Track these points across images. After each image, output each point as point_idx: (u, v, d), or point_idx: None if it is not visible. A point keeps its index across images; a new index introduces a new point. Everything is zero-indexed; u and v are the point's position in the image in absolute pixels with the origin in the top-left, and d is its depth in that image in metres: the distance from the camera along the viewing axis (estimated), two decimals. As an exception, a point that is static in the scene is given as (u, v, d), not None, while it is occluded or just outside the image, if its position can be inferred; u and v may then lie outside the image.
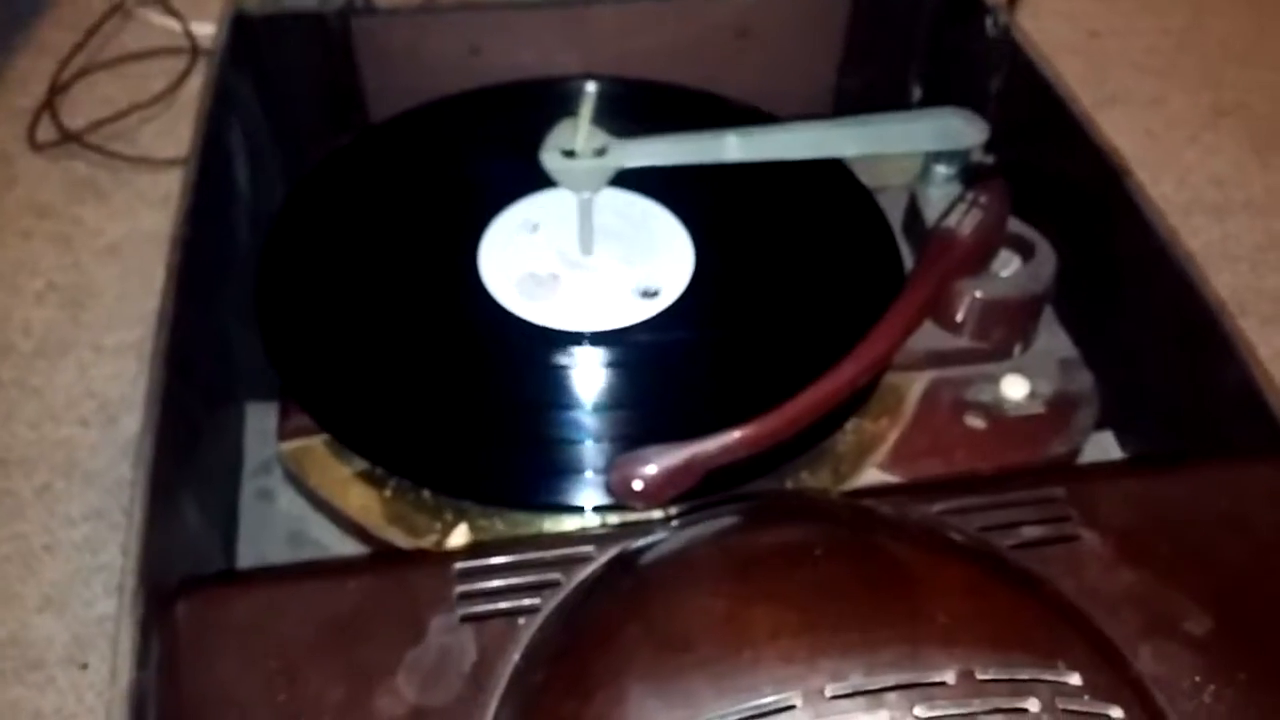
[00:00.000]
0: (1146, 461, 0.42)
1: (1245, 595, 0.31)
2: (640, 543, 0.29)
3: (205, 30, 0.75)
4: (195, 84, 0.73)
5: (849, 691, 0.23)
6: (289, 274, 0.45)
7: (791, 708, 0.23)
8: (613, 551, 0.30)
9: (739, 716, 0.23)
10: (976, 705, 0.23)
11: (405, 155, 0.51)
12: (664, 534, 0.30)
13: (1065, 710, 0.24)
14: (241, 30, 0.51)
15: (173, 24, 0.78)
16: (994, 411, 0.43)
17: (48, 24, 0.79)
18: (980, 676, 0.23)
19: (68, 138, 0.68)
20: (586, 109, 0.42)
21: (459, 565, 0.30)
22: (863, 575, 0.26)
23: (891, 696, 0.23)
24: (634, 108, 0.52)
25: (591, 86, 0.41)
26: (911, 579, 0.26)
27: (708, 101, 0.54)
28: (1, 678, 0.44)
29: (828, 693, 0.23)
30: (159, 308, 0.38)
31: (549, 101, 0.51)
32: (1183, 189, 0.67)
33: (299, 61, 0.54)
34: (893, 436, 0.42)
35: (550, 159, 0.43)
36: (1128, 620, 0.29)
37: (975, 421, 0.43)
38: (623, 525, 0.37)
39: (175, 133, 0.69)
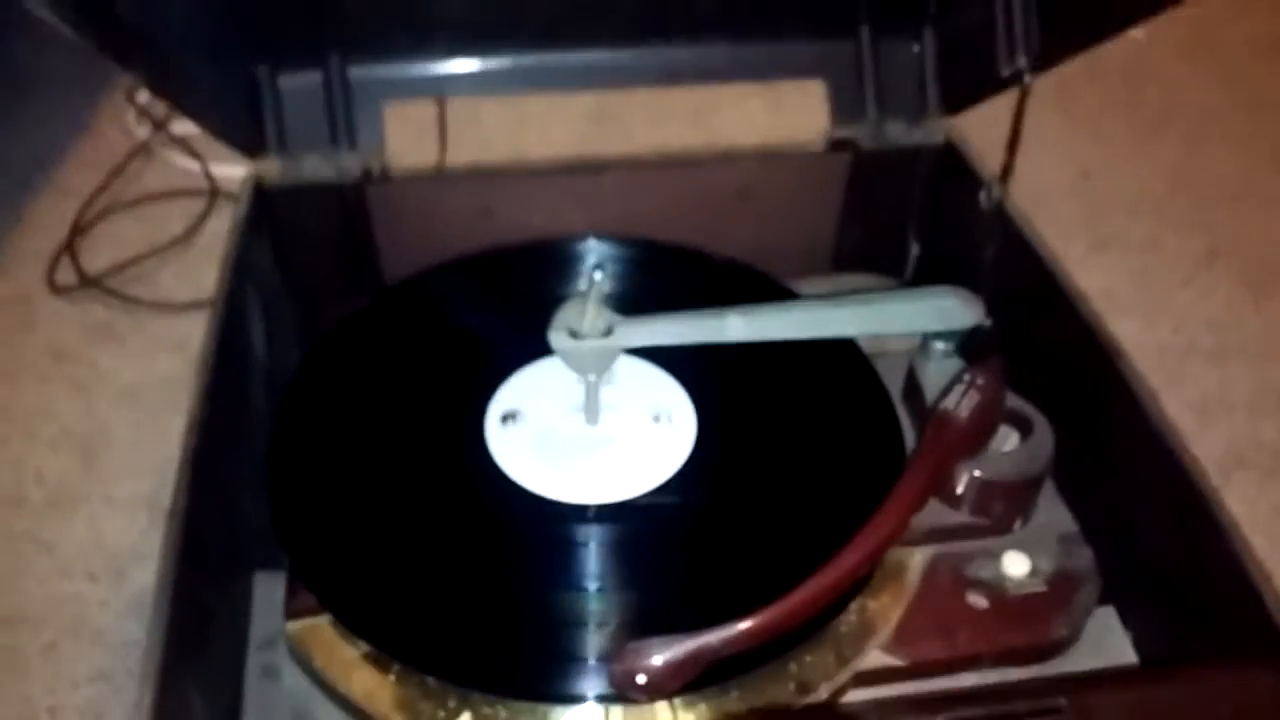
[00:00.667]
0: (1147, 669, 0.42)
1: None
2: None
3: (225, 172, 0.77)
4: (213, 226, 0.75)
5: None
6: (301, 446, 0.46)
7: None
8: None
9: None
10: None
11: (417, 320, 0.52)
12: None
13: None
14: (260, 199, 0.53)
15: (193, 165, 0.80)
16: (995, 589, 0.43)
17: (69, 164, 0.82)
18: None
19: (86, 282, 0.70)
20: (595, 294, 0.43)
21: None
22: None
23: None
24: (638, 268, 0.53)
25: (599, 274, 0.42)
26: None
27: (706, 263, 0.55)
28: None
29: None
30: (171, 500, 0.38)
31: (559, 260, 0.53)
32: (1178, 334, 0.68)
33: (316, 227, 0.55)
34: (895, 616, 0.42)
35: (557, 339, 0.44)
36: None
37: (977, 600, 0.43)
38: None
39: (193, 275, 0.71)
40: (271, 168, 0.53)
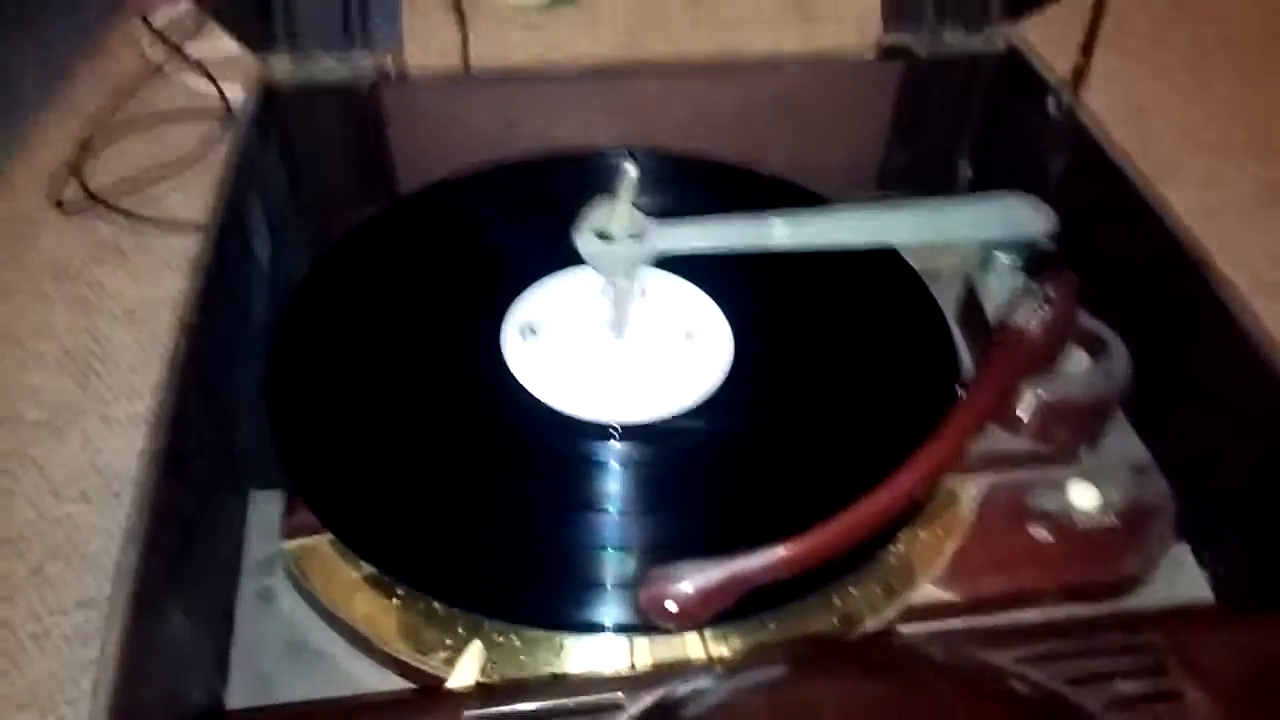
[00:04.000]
0: (1253, 603, 0.37)
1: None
2: (676, 694, 0.26)
3: (239, 93, 0.74)
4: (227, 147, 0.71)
5: None
6: (303, 359, 0.42)
7: None
8: (646, 701, 0.26)
9: None
10: None
11: (431, 232, 0.48)
12: (703, 686, 0.26)
13: None
14: (269, 101, 0.49)
15: (208, 88, 0.77)
16: (1061, 522, 0.39)
17: (81, 85, 0.78)
18: None
19: (92, 199, 0.67)
20: (626, 190, 0.39)
21: (470, 714, 0.27)
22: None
23: None
24: (671, 181, 0.49)
25: (633, 168, 0.38)
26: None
27: (745, 177, 0.51)
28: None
29: None
30: (159, 401, 0.35)
31: (585, 175, 0.48)
32: (1242, 270, 0.64)
33: (328, 132, 0.51)
34: (950, 549, 0.38)
35: (584, 242, 0.40)
36: (1237, 796, 0.26)
37: (1040, 533, 0.39)
38: (656, 665, 0.34)
39: (203, 196, 0.67)
40: (281, 66, 0.50)
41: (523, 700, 0.26)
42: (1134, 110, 0.79)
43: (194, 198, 0.69)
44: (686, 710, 0.25)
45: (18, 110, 0.75)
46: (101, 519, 0.50)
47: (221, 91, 0.76)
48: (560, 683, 0.29)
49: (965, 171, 0.58)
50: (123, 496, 0.51)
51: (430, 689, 0.34)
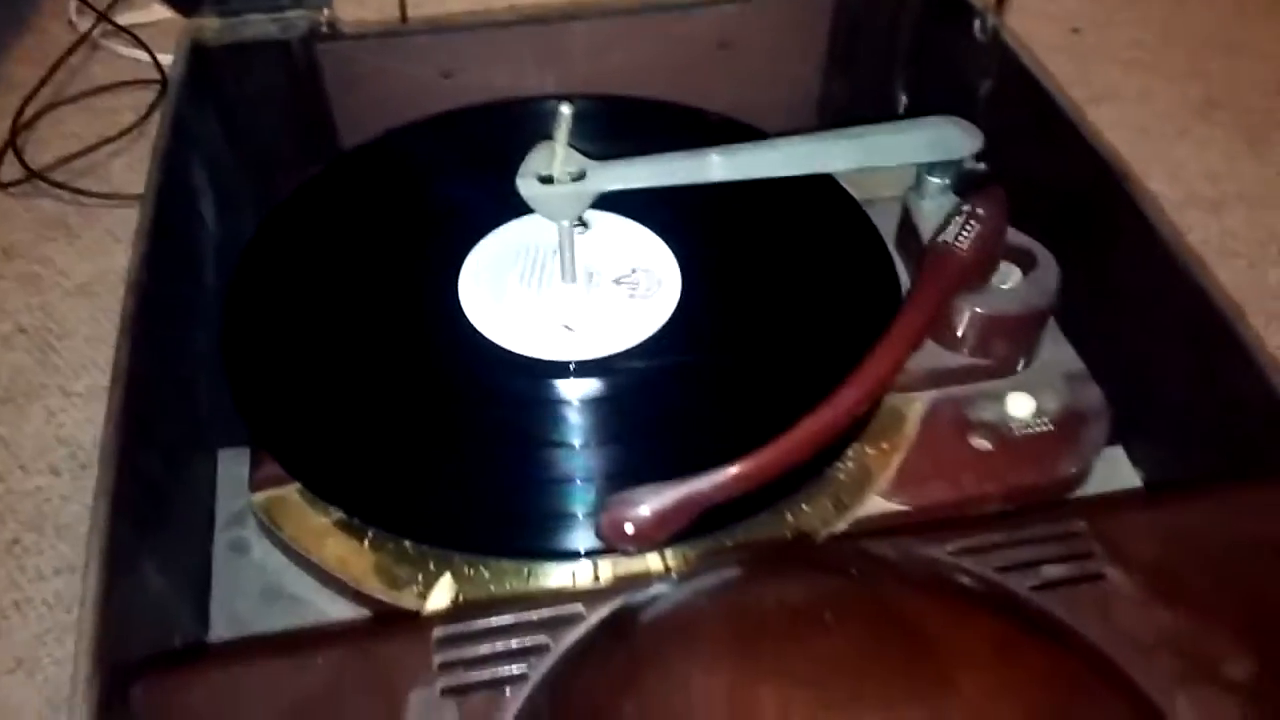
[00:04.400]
0: (1172, 488, 0.40)
1: (1281, 630, 0.29)
2: (634, 601, 0.27)
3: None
4: (164, 115, 0.71)
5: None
6: (257, 315, 0.43)
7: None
8: (604, 611, 0.28)
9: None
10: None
11: (377, 185, 0.49)
12: (659, 592, 0.27)
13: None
14: (200, 61, 0.49)
15: (140, 55, 0.76)
16: (1000, 431, 0.41)
17: (12, 60, 0.77)
18: (1006, 748, 0.21)
19: (33, 175, 0.66)
20: (562, 132, 0.40)
21: (439, 632, 0.28)
22: (879, 642, 0.24)
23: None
24: (613, 126, 0.50)
25: (567, 108, 0.39)
26: (933, 645, 0.24)
27: (689, 116, 0.52)
28: (-29, 748, 0.42)
29: (840, 775, 0.21)
30: (114, 362, 0.36)
31: (525, 122, 0.49)
32: (1176, 185, 0.66)
33: (263, 90, 0.52)
34: (895, 462, 0.40)
35: (526, 186, 0.41)
36: (1161, 666, 0.27)
37: (981, 442, 0.41)
38: (616, 579, 0.35)
39: (145, 167, 0.67)
40: (211, 25, 0.50)
41: (488, 616, 0.28)
42: (1068, 33, 0.81)
43: (137, 168, 0.68)
44: (643, 615, 0.27)
45: (-49, 90, 0.74)
46: (71, 489, 0.51)
47: (155, 58, 0.76)
48: (524, 598, 0.30)
49: (901, 99, 0.59)
50: (90, 467, 0.51)
51: (399, 616, 0.35)
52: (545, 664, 0.27)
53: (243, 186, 0.52)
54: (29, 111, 0.71)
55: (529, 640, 0.28)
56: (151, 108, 0.72)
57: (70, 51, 0.76)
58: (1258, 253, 0.61)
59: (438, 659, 0.28)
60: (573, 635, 0.28)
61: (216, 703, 0.27)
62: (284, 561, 0.39)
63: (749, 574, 0.27)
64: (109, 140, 0.70)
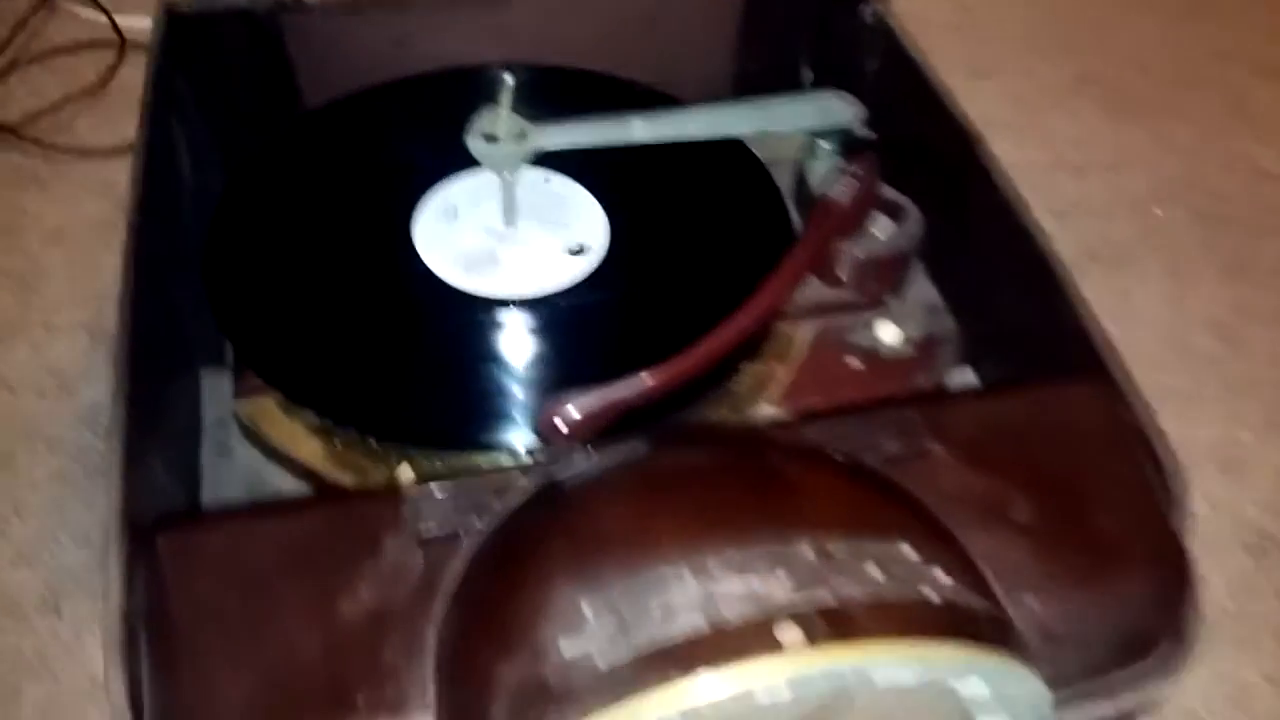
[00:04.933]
0: (989, 387, 0.48)
1: (1063, 489, 0.37)
2: (560, 472, 0.35)
3: (132, 23, 0.78)
4: (125, 75, 0.76)
5: (727, 567, 0.29)
6: (235, 250, 0.49)
7: (682, 578, 0.28)
8: (538, 479, 0.35)
9: (641, 590, 0.29)
10: (827, 569, 0.29)
11: (339, 140, 0.55)
12: (580, 463, 0.35)
13: (898, 573, 0.30)
14: (175, 27, 0.55)
15: (99, 17, 0.81)
16: (870, 353, 0.49)
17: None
18: (831, 548, 0.29)
19: (3, 130, 0.71)
20: (506, 97, 0.46)
21: (407, 496, 0.35)
22: (745, 482, 0.32)
23: (761, 565, 0.29)
24: (550, 93, 0.57)
25: (510, 76, 0.46)
26: (784, 482, 0.32)
27: (618, 86, 0.59)
28: (-18, 628, 0.48)
29: (710, 566, 0.29)
30: (120, 288, 0.42)
31: (472, 89, 0.56)
32: (1046, 151, 0.75)
33: (233, 56, 0.57)
34: (783, 377, 0.48)
35: (474, 143, 0.48)
36: (964, 512, 0.36)
37: (854, 362, 0.49)
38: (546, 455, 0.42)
39: (109, 123, 0.72)
40: (183, -1, 0.55)
41: (447, 485, 0.35)
42: (958, 9, 0.89)
43: (100, 125, 0.74)
44: (568, 475, 0.34)
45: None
46: (58, 409, 0.56)
47: (113, 20, 0.80)
48: (475, 472, 0.37)
49: (807, 75, 0.66)
50: (76, 390, 0.57)
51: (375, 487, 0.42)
52: (492, 518, 0.35)
53: (214, 145, 0.58)
54: (-5, 69, 0.76)
55: (480, 501, 0.35)
56: (112, 68, 0.77)
57: (32, 12, 0.81)
58: (1110, 211, 0.71)
59: (407, 514, 0.35)
60: (514, 497, 0.35)
61: (226, 546, 0.34)
62: (264, 461, 0.46)
63: (656, 447, 0.35)
64: (73, 98, 0.74)
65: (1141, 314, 0.70)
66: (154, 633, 0.34)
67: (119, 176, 0.61)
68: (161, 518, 0.37)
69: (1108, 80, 0.81)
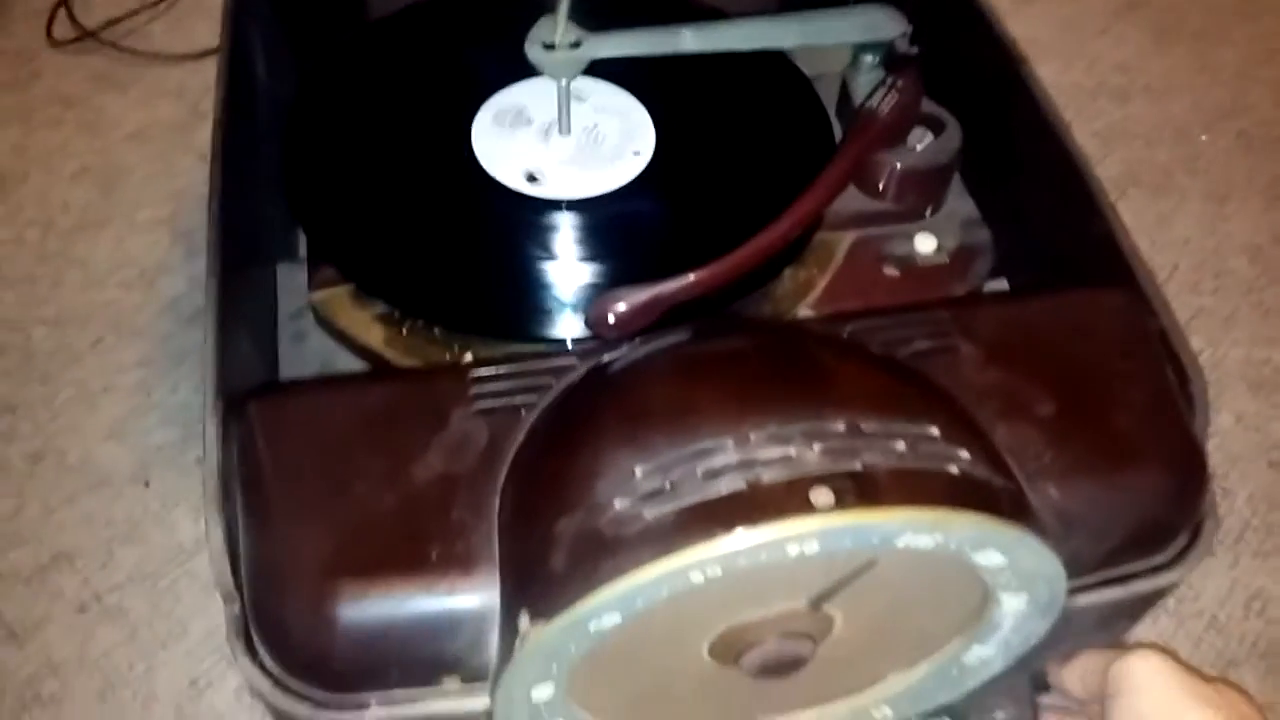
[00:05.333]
0: (1017, 291, 0.50)
1: (1082, 387, 0.40)
2: (607, 358, 0.38)
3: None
4: (196, -16, 0.78)
5: (766, 436, 0.32)
6: (311, 149, 0.52)
7: (725, 448, 0.32)
8: (592, 362, 0.38)
9: (687, 455, 0.32)
10: (859, 444, 0.32)
11: (405, 48, 0.58)
12: (625, 351, 0.38)
13: (924, 450, 0.33)
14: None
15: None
16: (907, 262, 0.51)
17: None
18: (863, 425, 0.32)
19: (85, 35, 0.74)
20: (563, 6, 0.49)
21: (473, 374, 0.39)
22: (783, 363, 0.35)
23: (797, 438, 0.32)
24: (605, 6, 0.59)
25: (568, -13, 0.48)
26: (820, 366, 0.35)
27: (669, 2, 0.61)
28: (77, 493, 0.52)
29: (751, 437, 0.32)
30: (209, 180, 0.45)
31: (530, 1, 0.58)
32: (1091, 75, 0.75)
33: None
34: (822, 283, 0.50)
35: (533, 51, 0.50)
36: (989, 405, 0.38)
37: (891, 271, 0.51)
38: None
39: (182, 30, 0.75)
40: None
41: (509, 365, 0.38)
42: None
43: (174, 32, 0.77)
44: (619, 359, 0.37)
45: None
46: (142, 300, 0.61)
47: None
48: (534, 354, 0.41)
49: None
50: (156, 283, 0.61)
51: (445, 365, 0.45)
52: (551, 395, 0.38)
53: (286, 50, 0.61)
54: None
55: (538, 381, 0.39)
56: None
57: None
58: (1153, 135, 0.72)
59: (473, 390, 0.38)
60: (570, 377, 0.39)
61: (311, 413, 0.38)
62: (336, 347, 0.50)
63: (696, 335, 0.38)
64: (149, 5, 0.77)
65: (1180, 237, 0.72)
66: (247, 489, 0.38)
67: (193, 81, 0.64)
68: (253, 389, 0.40)
69: (1157, 5, 0.81)
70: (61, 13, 0.75)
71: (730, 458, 0.32)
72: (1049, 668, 0.41)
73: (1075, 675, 0.39)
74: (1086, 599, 0.41)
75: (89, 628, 0.52)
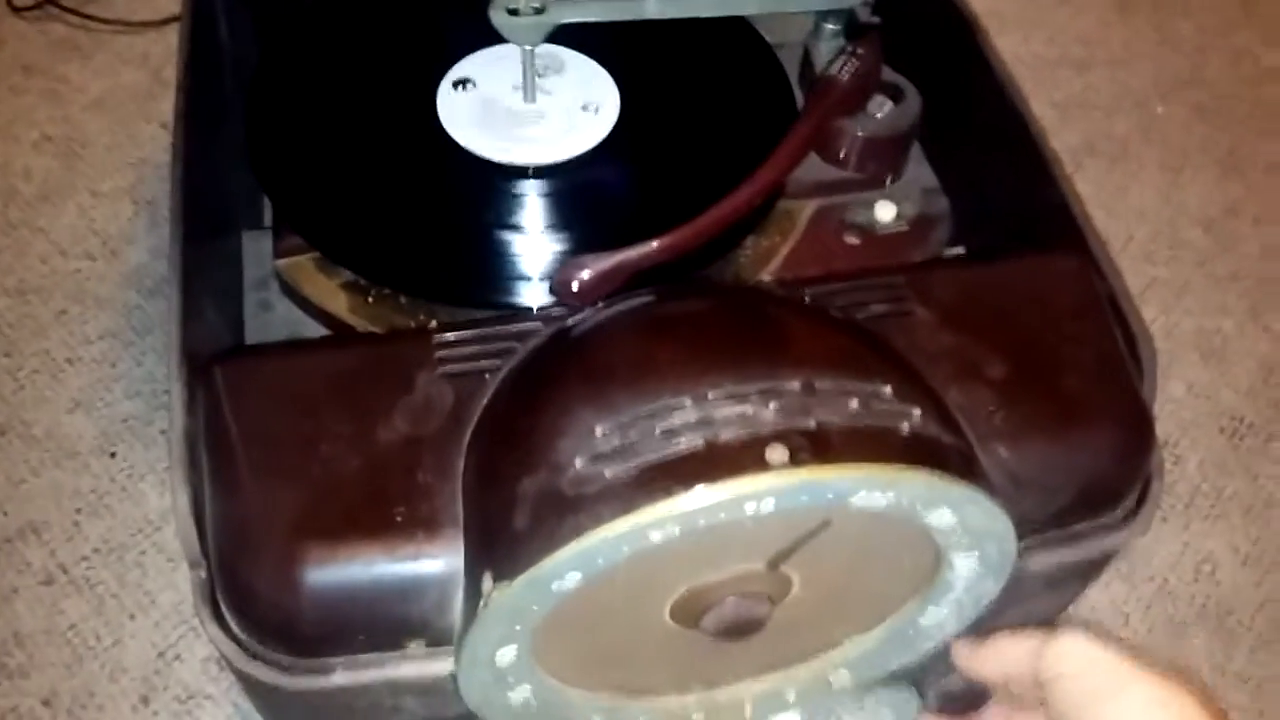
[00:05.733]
0: (971, 256, 0.51)
1: (1034, 350, 0.41)
2: (572, 320, 0.39)
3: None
4: (157, -49, 0.77)
5: (724, 395, 0.33)
6: (275, 117, 0.52)
7: (684, 406, 0.32)
8: (556, 326, 0.39)
9: (646, 414, 0.32)
10: (813, 402, 0.33)
11: (368, 14, 0.57)
12: (591, 313, 0.39)
13: (877, 409, 0.33)
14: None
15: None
16: (867, 230, 0.52)
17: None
18: (817, 385, 0.33)
19: (47, 1, 0.73)
20: (528, -28, 0.49)
21: (438, 337, 0.39)
22: (742, 324, 0.36)
23: (754, 397, 0.32)
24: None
25: (531, -47, 0.48)
26: (776, 326, 0.36)
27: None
28: (43, 465, 0.52)
29: (709, 396, 0.33)
30: (172, 145, 0.45)
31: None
32: (1052, 46, 0.76)
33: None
34: (784, 250, 0.51)
35: (497, 16, 0.50)
36: (943, 368, 0.39)
37: (852, 239, 0.52)
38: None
39: (143, -2, 0.74)
40: None
41: (475, 328, 0.39)
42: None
43: (135, 0, 0.76)
44: (579, 324, 0.38)
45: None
46: (105, 270, 0.60)
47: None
48: (500, 319, 0.41)
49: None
50: (120, 253, 0.61)
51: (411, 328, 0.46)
52: (515, 359, 0.39)
53: (246, 16, 0.60)
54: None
55: (504, 345, 0.39)
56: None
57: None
58: (1112, 106, 0.73)
59: (438, 354, 0.39)
60: (534, 341, 0.39)
61: (277, 376, 0.38)
62: (302, 316, 0.50)
63: (657, 293, 0.39)
64: (109, -28, 0.77)
65: (1135, 207, 0.73)
66: (213, 453, 0.38)
67: (155, 49, 0.64)
68: (217, 353, 0.41)
69: (1117, -23, 0.83)
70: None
71: (689, 416, 0.32)
72: (957, 653, 0.40)
73: (991, 661, 0.38)
74: (1037, 560, 0.42)
75: (56, 600, 0.53)
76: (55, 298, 0.58)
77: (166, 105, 0.46)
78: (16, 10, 0.73)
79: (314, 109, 0.53)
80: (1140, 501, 0.44)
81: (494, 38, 0.51)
